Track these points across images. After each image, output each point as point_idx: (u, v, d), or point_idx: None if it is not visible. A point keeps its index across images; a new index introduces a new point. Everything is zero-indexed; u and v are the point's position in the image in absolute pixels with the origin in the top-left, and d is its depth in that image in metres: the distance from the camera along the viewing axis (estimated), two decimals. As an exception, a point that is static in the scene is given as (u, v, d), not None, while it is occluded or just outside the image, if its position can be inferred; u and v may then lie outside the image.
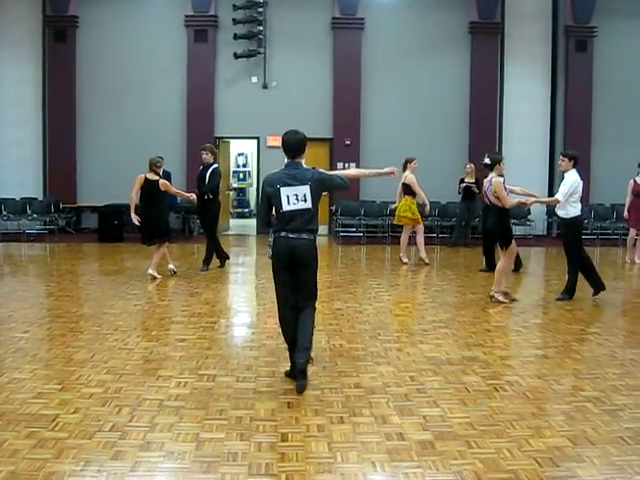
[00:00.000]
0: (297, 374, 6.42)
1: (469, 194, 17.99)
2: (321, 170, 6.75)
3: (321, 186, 6.57)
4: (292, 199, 6.42)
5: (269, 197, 6.58)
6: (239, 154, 26.95)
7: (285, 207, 6.44)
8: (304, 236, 6.49)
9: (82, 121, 20.46)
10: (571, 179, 10.46)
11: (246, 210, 27.03)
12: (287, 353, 6.79)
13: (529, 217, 19.76)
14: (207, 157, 13.34)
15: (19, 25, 20.42)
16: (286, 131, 6.66)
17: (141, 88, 20.25)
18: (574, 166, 10.57)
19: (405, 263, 14.70)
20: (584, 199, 20.08)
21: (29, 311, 9.90)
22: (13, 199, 20.14)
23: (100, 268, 14.74)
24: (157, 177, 12.34)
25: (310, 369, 6.86)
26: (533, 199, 10.96)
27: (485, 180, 10.88)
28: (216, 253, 13.84)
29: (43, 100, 20.54)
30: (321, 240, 19.31)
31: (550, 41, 21.04)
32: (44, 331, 8.83)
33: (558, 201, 10.48)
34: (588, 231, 19.67)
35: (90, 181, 19.93)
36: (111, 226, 18.72)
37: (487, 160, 10.78)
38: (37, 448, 4.97)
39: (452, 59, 20.66)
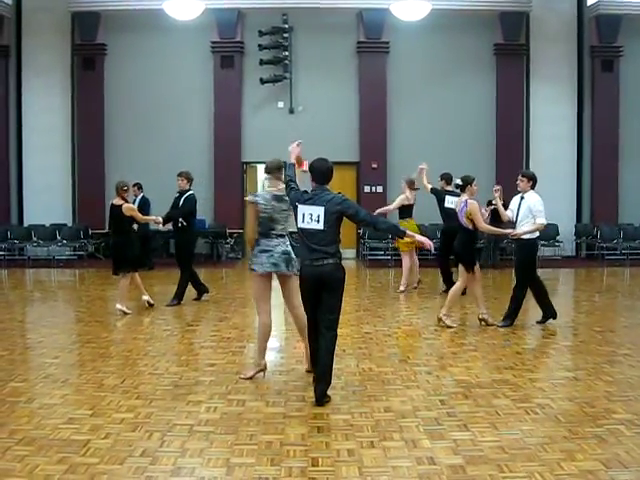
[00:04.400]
0: (316, 401, 6.66)
1: (497, 216, 17.86)
2: (346, 198, 6.89)
3: (338, 211, 6.74)
4: (307, 217, 6.77)
5: (292, 202, 7.09)
6: (266, 178, 26.98)
7: (300, 224, 6.84)
8: (328, 261, 6.73)
9: (110, 147, 20.65)
10: (536, 199, 10.19)
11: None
12: (310, 378, 7.06)
13: (558, 238, 19.64)
14: (182, 183, 12.62)
15: (48, 53, 20.70)
16: (315, 159, 6.98)
17: (168, 114, 20.42)
18: (532, 187, 10.33)
19: (414, 288, 14.42)
20: (612, 218, 20.17)
21: (59, 337, 9.97)
22: (43, 225, 20.34)
23: (129, 293, 14.77)
24: (122, 202, 11.79)
25: (340, 393, 6.88)
26: (518, 232, 10.31)
27: (458, 200, 10.79)
28: (193, 284, 13.00)
29: (72, 127, 20.76)
30: (349, 263, 19.29)
31: (575, 61, 21.02)
32: (74, 357, 8.89)
33: (543, 225, 10.22)
34: (617, 251, 19.57)
35: (119, 207, 20.07)
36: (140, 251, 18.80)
37: (458, 181, 10.71)
38: (68, 474, 5.00)
39: (477, 81, 20.67)
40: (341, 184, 19.52)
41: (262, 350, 7.63)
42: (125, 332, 10.24)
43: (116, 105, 20.59)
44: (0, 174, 20.67)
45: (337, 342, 6.95)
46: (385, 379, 7.52)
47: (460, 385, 7.26)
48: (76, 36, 20.70)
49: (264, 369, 7.62)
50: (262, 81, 20.17)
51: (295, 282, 7.38)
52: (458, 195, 13.68)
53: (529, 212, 10.16)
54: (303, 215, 6.79)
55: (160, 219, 12.46)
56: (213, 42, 20.47)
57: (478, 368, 8.03)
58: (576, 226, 20.68)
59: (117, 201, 11.84)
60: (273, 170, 7.72)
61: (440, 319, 10.50)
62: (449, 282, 13.89)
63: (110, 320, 11.39)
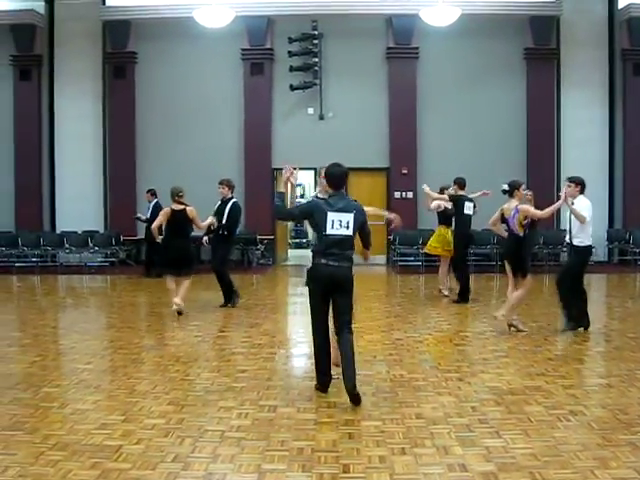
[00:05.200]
0: (351, 399, 6.73)
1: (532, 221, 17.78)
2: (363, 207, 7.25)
3: (360, 218, 7.03)
4: (336, 224, 6.87)
5: (311, 212, 7.09)
6: (297, 185, 26.98)
7: (329, 230, 6.87)
8: (343, 264, 6.93)
9: (141, 155, 20.80)
10: (586, 204, 10.05)
11: (304, 240, 27.02)
12: (342, 384, 6.92)
13: (590, 243, 19.46)
14: (224, 191, 12.76)
15: (80, 62, 20.91)
16: (330, 164, 7.20)
17: (199, 121, 20.52)
18: (581, 192, 10.15)
19: (446, 296, 14.09)
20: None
21: (91, 343, 10.05)
22: (75, 232, 20.50)
23: (160, 300, 14.85)
24: (183, 206, 12.02)
25: (370, 399, 6.87)
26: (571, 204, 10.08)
27: (505, 207, 10.53)
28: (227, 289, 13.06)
29: (103, 135, 20.97)
30: (379, 270, 19.28)
31: (607, 65, 20.82)
32: (106, 362, 8.95)
33: (584, 219, 9.97)
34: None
35: (150, 214, 20.23)
36: (171, 258, 18.91)
37: (505, 186, 10.50)
38: (101, 479, 5.02)
39: (508, 86, 20.56)
40: (371, 190, 19.55)
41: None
42: (156, 338, 10.30)
43: (147, 113, 20.75)
44: (33, 181, 20.90)
45: (367, 348, 6.97)
46: (416, 385, 7.50)
47: (492, 392, 7.22)
48: (107, 44, 20.90)
49: None
50: (292, 88, 20.23)
51: None
52: (472, 200, 13.53)
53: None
54: (332, 222, 6.88)
55: (213, 220, 12.53)
56: (243, 49, 20.56)
57: (510, 374, 7.97)
58: (608, 231, 20.49)
59: (176, 206, 12.01)
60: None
61: (510, 325, 10.39)
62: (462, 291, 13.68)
63: (142, 326, 11.46)
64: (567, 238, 10.48)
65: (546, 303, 12.99)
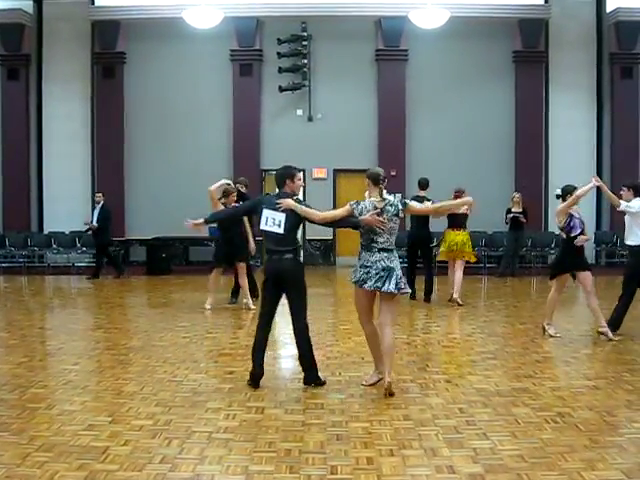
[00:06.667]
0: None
1: (516, 224, 17.87)
2: (301, 200, 7.72)
3: (296, 216, 7.39)
4: (270, 221, 7.38)
5: (252, 206, 8.03)
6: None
7: (262, 226, 7.46)
8: (285, 256, 7.39)
9: (130, 155, 20.76)
10: (635, 202, 10.31)
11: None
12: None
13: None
14: (242, 190, 13.11)
15: (69, 62, 20.88)
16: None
17: (188, 122, 20.50)
18: (636, 195, 10.37)
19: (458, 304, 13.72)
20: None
21: (79, 343, 10.03)
22: (63, 232, 20.46)
23: (148, 301, 14.84)
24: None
25: (358, 401, 6.88)
26: (603, 186, 10.45)
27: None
28: (235, 285, 13.55)
29: (92, 135, 20.91)
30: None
31: (595, 68, 20.95)
32: (94, 363, 8.92)
33: (619, 203, 10.30)
34: None
35: (138, 214, 20.15)
36: (159, 259, 18.89)
37: (558, 191, 10.49)
38: (88, 480, 5.01)
39: (496, 88, 20.63)
40: (360, 191, 19.50)
41: (377, 358, 7.59)
42: (144, 339, 10.26)
43: (136, 113, 20.71)
44: (20, 181, 20.85)
45: (356, 350, 6.97)
46: (404, 387, 7.50)
47: (479, 393, 7.22)
48: (96, 45, 20.86)
49: (380, 380, 7.47)
50: (281, 89, 20.22)
51: (393, 301, 7.71)
52: (421, 200, 13.44)
53: (632, 218, 10.31)
54: (267, 219, 7.39)
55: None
56: (232, 50, 20.56)
57: (497, 376, 7.99)
58: (596, 233, 20.55)
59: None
60: (376, 180, 8.01)
61: (544, 329, 10.38)
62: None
63: (129, 327, 11.42)
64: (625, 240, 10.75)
65: (534, 305, 13.02)
